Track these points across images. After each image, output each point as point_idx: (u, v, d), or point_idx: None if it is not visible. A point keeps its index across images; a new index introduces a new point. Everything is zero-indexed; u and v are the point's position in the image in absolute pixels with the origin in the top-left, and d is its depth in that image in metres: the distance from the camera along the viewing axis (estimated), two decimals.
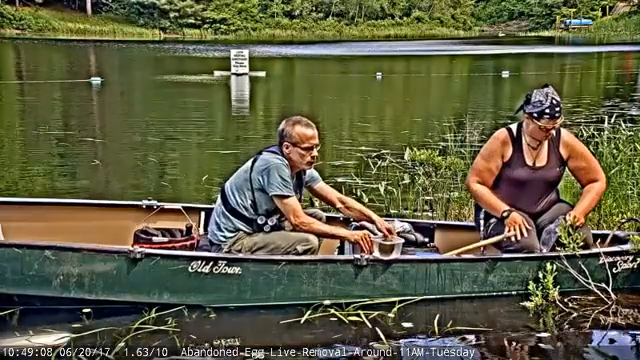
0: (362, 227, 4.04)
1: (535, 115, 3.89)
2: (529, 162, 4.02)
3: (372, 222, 3.99)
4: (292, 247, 3.70)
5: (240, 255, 3.66)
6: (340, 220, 4.30)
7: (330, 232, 3.84)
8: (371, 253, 3.72)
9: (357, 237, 3.79)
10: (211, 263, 3.55)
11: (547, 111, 3.86)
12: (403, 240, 3.89)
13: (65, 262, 3.44)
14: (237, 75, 20.44)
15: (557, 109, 3.86)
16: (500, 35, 60.70)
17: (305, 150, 3.75)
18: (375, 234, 3.89)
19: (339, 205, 4.08)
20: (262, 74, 20.93)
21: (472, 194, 4.21)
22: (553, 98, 3.88)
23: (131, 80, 20.22)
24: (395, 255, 3.73)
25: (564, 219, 3.88)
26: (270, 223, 3.79)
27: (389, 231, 3.88)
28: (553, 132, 3.95)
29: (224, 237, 3.78)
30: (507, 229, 3.93)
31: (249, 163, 3.82)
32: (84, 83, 17.89)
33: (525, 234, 3.90)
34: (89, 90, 17.01)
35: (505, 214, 3.96)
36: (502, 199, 4.03)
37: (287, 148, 3.76)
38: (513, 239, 3.90)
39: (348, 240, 3.89)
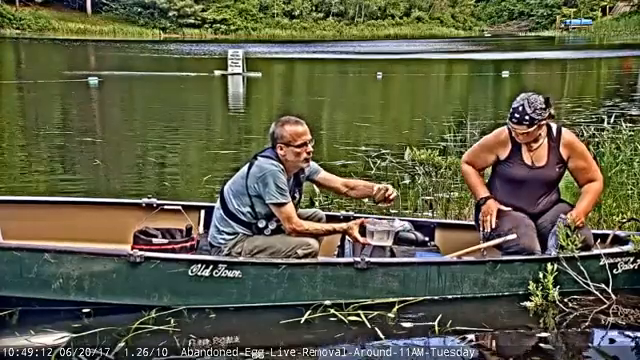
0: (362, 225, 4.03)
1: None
2: (527, 161, 4.02)
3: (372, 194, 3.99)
4: (292, 251, 3.69)
5: (240, 259, 3.65)
6: (340, 218, 4.29)
7: (323, 229, 3.83)
8: (358, 241, 3.78)
9: (344, 226, 3.82)
10: (211, 266, 3.53)
11: (510, 113, 3.91)
12: (393, 228, 3.92)
13: (64, 265, 3.42)
14: (232, 75, 20.46)
15: (517, 115, 3.86)
16: (486, 36, 60.04)
17: (299, 147, 3.72)
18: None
19: (345, 190, 4.05)
20: (258, 75, 20.92)
21: (461, 171, 4.34)
22: (522, 105, 3.87)
23: (129, 79, 20.17)
24: (389, 241, 3.87)
25: (564, 218, 3.87)
26: (271, 227, 3.77)
27: (387, 192, 3.91)
28: (524, 138, 3.91)
29: (224, 240, 3.76)
30: (481, 217, 4.00)
31: (245, 169, 3.78)
32: (82, 83, 17.85)
33: (493, 226, 3.96)
34: (87, 89, 16.99)
35: (482, 202, 4.05)
36: (501, 198, 4.05)
37: (281, 149, 3.73)
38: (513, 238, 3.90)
39: (338, 232, 3.90)
